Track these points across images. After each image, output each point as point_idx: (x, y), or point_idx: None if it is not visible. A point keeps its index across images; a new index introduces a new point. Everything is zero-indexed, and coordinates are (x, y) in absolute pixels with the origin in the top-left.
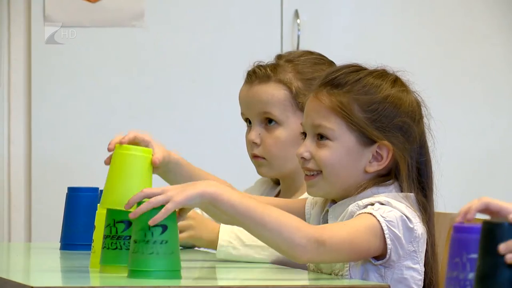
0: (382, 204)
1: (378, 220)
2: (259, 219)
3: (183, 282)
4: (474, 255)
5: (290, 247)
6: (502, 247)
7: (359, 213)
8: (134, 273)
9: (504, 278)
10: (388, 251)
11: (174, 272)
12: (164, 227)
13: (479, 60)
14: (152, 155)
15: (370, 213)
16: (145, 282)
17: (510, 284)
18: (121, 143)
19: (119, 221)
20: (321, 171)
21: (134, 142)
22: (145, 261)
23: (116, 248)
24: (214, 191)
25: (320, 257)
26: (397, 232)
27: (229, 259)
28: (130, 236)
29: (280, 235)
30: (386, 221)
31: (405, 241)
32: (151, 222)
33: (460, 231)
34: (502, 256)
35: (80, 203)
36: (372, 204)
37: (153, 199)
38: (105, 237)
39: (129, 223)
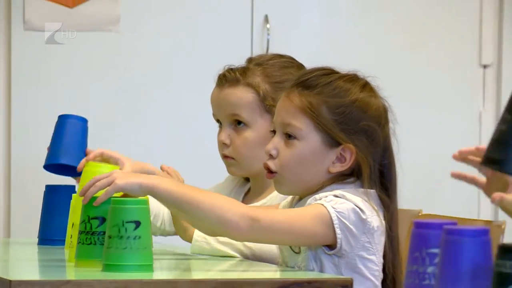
0: (336, 196)
1: (328, 211)
2: (194, 201)
3: (155, 276)
4: (434, 250)
5: (223, 224)
6: None
7: (312, 203)
8: (108, 267)
9: None
10: (339, 240)
11: (147, 266)
12: (138, 223)
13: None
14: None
15: (322, 204)
16: (118, 275)
17: None
18: (86, 160)
19: (93, 218)
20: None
21: (103, 159)
22: (119, 255)
23: (91, 243)
24: (152, 182)
25: (255, 235)
26: (347, 223)
27: (202, 253)
28: (104, 232)
29: (213, 214)
30: (337, 211)
31: (358, 232)
32: (95, 203)
33: (420, 226)
34: None
35: (57, 200)
36: (326, 197)
37: (98, 182)
38: (80, 232)
39: (103, 219)
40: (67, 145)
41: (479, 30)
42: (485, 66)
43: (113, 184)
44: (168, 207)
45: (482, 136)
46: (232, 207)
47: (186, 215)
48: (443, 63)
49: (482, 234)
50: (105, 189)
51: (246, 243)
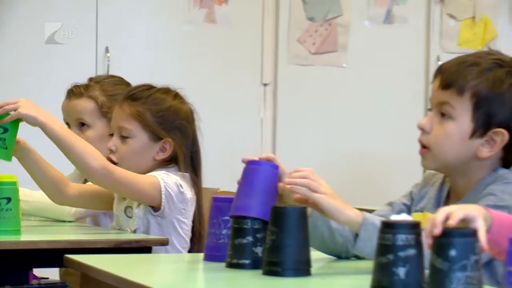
0: (163, 173)
1: (159, 181)
2: (71, 144)
3: (22, 238)
4: (226, 217)
5: (86, 168)
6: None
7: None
8: None
9: None
10: (163, 204)
11: (16, 231)
12: (9, 199)
13: (235, 82)
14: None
15: (155, 175)
16: None
17: None
18: None
19: None
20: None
21: None
22: None
23: None
24: (45, 121)
25: (107, 182)
26: (171, 192)
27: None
28: (4, 139)
29: (83, 158)
30: (165, 183)
31: (177, 200)
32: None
33: (217, 200)
34: None
35: None
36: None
37: (6, 106)
38: None
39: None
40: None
41: (261, 59)
42: (265, 85)
43: (16, 111)
44: (54, 142)
45: (263, 136)
46: (98, 158)
47: (63, 153)
48: (237, 81)
49: (272, 167)
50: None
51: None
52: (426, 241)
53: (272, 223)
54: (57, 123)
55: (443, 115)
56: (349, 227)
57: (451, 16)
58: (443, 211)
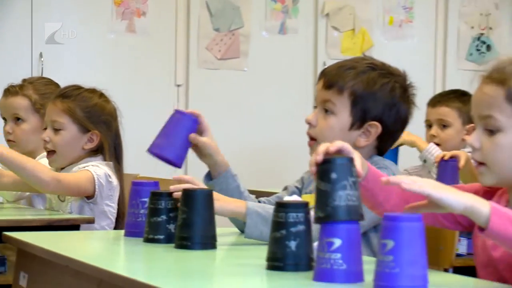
0: (93, 165)
1: (92, 174)
2: (22, 165)
3: None
4: (144, 199)
5: (40, 183)
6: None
7: (81, 169)
8: None
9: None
10: (96, 193)
11: None
12: None
13: (153, 83)
14: None
15: (88, 170)
16: None
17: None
18: None
19: None
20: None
21: None
22: None
23: None
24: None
25: (58, 190)
26: (102, 182)
27: None
28: None
29: (35, 175)
30: (97, 175)
31: (106, 188)
32: None
33: (135, 184)
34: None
35: None
36: (87, 166)
37: None
38: None
39: None
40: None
41: (174, 63)
42: (178, 85)
43: None
44: (5, 166)
45: None
46: (46, 172)
47: (16, 173)
48: (154, 82)
49: (193, 120)
50: None
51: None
52: (310, 170)
53: (183, 204)
54: (5, 149)
55: (326, 111)
56: (238, 218)
57: (335, 28)
58: (324, 144)
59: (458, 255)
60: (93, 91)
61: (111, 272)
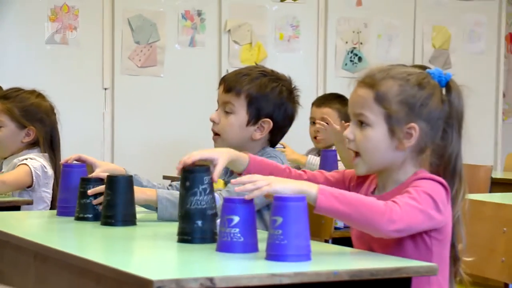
0: (31, 158)
1: (29, 167)
2: None
3: None
4: (73, 181)
5: None
6: None
7: (19, 164)
8: None
9: None
10: (34, 183)
11: None
12: None
13: (78, 87)
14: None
15: (26, 164)
16: None
17: None
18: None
19: None
20: None
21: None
22: None
23: None
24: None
25: (4, 190)
26: (38, 173)
27: None
28: None
29: None
30: (34, 167)
31: (42, 178)
32: None
33: (65, 166)
34: None
35: None
36: (26, 159)
37: None
38: None
39: None
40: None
41: (102, 70)
42: (105, 89)
43: None
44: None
45: (105, 127)
46: None
47: None
48: (85, 86)
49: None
50: None
51: None
52: (177, 169)
53: (107, 188)
54: None
55: (227, 110)
56: (151, 205)
57: (236, 42)
58: (187, 156)
59: (337, 228)
60: (31, 92)
61: (45, 245)
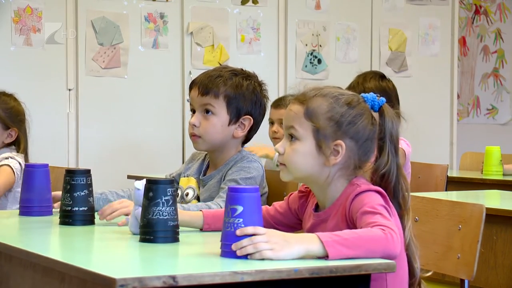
0: (11, 158)
1: (11, 167)
2: None
3: None
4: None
5: None
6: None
7: (1, 164)
8: None
9: None
10: (16, 179)
11: None
12: None
13: (44, 88)
14: None
15: (8, 165)
16: None
17: None
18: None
19: None
20: None
21: None
22: None
23: None
24: None
25: None
26: (18, 173)
27: None
28: None
29: None
30: (15, 168)
31: (19, 177)
32: None
33: (28, 166)
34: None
35: None
36: (7, 158)
37: None
38: None
39: None
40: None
41: (66, 71)
42: (70, 89)
43: None
44: None
45: (69, 126)
46: None
47: None
48: (50, 86)
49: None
50: None
51: None
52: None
53: (64, 191)
54: None
55: (207, 112)
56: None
57: (198, 44)
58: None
59: None
60: (8, 95)
61: (9, 245)
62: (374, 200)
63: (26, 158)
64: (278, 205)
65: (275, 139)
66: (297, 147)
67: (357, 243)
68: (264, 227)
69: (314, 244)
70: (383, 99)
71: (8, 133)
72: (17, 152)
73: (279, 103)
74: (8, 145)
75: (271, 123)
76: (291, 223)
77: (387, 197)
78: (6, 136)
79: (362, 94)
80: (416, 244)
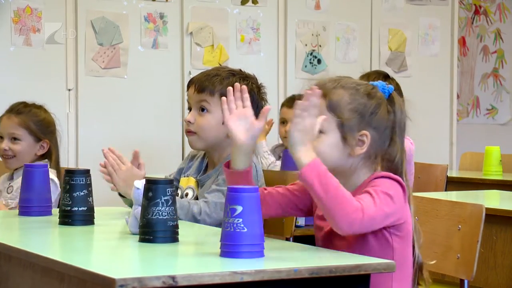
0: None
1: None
2: None
3: None
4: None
5: None
6: None
7: None
8: None
9: None
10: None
11: None
12: None
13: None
14: None
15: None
16: None
17: None
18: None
19: None
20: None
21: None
22: None
23: None
24: None
25: None
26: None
27: None
28: None
29: None
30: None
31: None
32: None
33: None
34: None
35: None
36: None
37: None
38: None
39: None
40: None
41: (65, 71)
42: (69, 90)
43: None
44: None
45: (69, 126)
46: None
47: None
48: (49, 86)
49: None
50: None
51: None
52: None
53: (64, 191)
54: None
55: (202, 110)
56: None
57: (198, 44)
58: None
59: (298, 226)
60: (38, 107)
61: (8, 245)
62: (383, 185)
63: (57, 168)
64: (290, 186)
65: (286, 138)
66: (323, 140)
67: (330, 189)
68: (283, 204)
69: (306, 157)
70: (392, 86)
71: (40, 145)
72: (49, 162)
73: (292, 102)
74: (41, 156)
75: (283, 122)
76: (305, 208)
77: (405, 188)
78: (38, 148)
79: (372, 82)
80: (418, 230)
